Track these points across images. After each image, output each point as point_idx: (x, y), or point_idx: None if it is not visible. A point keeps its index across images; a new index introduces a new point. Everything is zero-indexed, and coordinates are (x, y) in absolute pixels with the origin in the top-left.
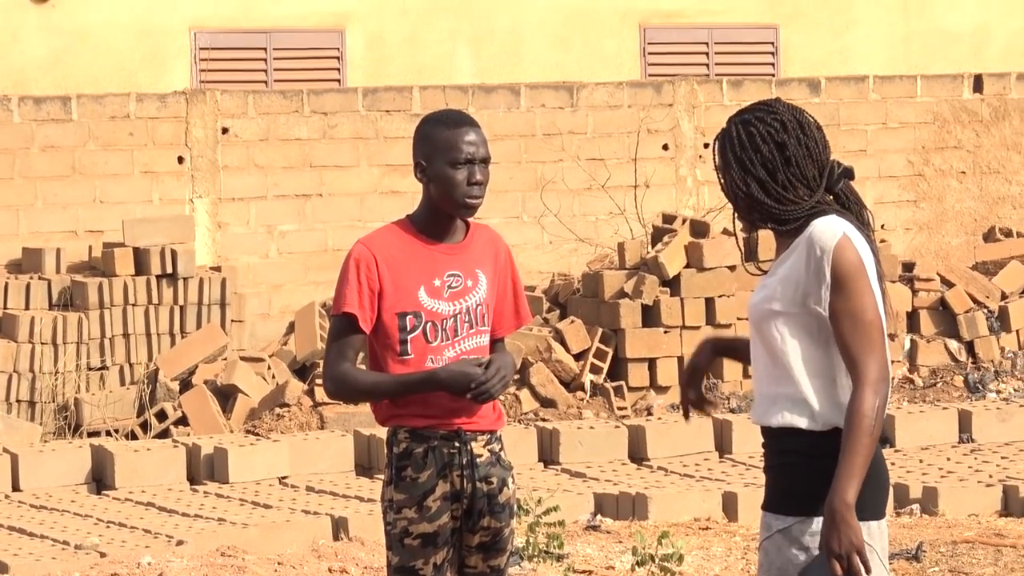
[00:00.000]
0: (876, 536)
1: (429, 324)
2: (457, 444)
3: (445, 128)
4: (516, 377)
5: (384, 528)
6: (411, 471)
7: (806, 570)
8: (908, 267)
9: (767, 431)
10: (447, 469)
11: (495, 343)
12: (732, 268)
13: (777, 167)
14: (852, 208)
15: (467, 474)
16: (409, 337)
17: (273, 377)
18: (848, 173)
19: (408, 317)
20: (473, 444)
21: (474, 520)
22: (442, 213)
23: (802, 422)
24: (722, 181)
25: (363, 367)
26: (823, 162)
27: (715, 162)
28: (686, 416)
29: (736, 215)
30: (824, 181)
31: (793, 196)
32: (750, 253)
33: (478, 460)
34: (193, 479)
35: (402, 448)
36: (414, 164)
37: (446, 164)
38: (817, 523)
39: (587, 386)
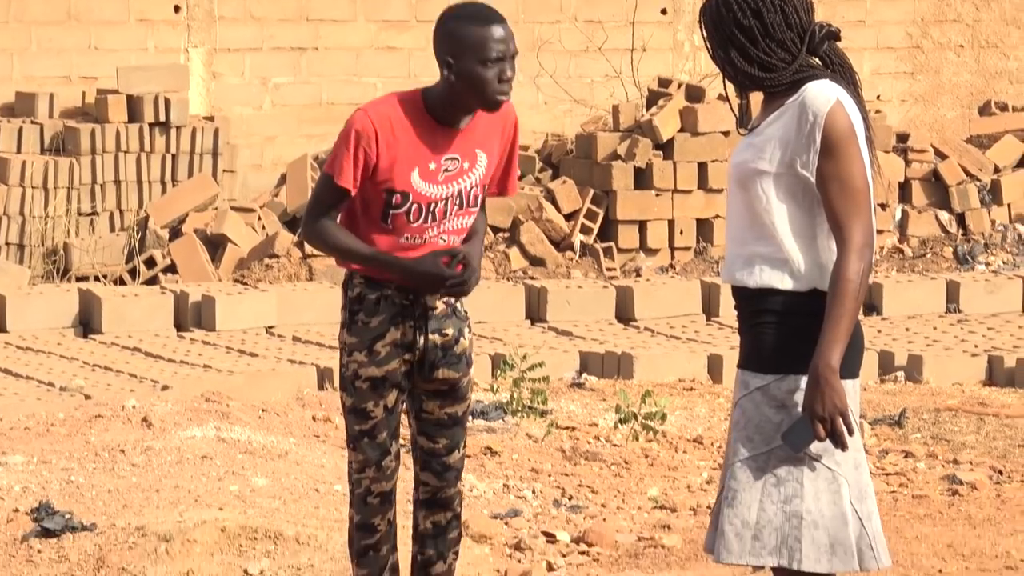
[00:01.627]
0: (850, 395)
1: (415, 205)
2: (411, 295)
3: (474, 25)
4: (506, 235)
5: (339, 370)
6: (363, 315)
7: (788, 432)
8: (902, 138)
9: (742, 291)
10: (399, 318)
11: None
12: (726, 134)
13: (756, 36)
14: (838, 71)
15: (419, 326)
16: (392, 212)
17: (263, 228)
18: (832, 35)
19: (396, 195)
20: (428, 297)
21: (428, 370)
22: (462, 105)
23: (784, 282)
24: (709, 51)
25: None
26: (803, 26)
27: (702, 33)
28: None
29: (725, 82)
30: (805, 45)
31: (776, 61)
32: (744, 119)
33: (432, 312)
34: (180, 326)
35: (356, 292)
36: (439, 61)
37: (476, 63)
38: (795, 381)
39: (576, 246)
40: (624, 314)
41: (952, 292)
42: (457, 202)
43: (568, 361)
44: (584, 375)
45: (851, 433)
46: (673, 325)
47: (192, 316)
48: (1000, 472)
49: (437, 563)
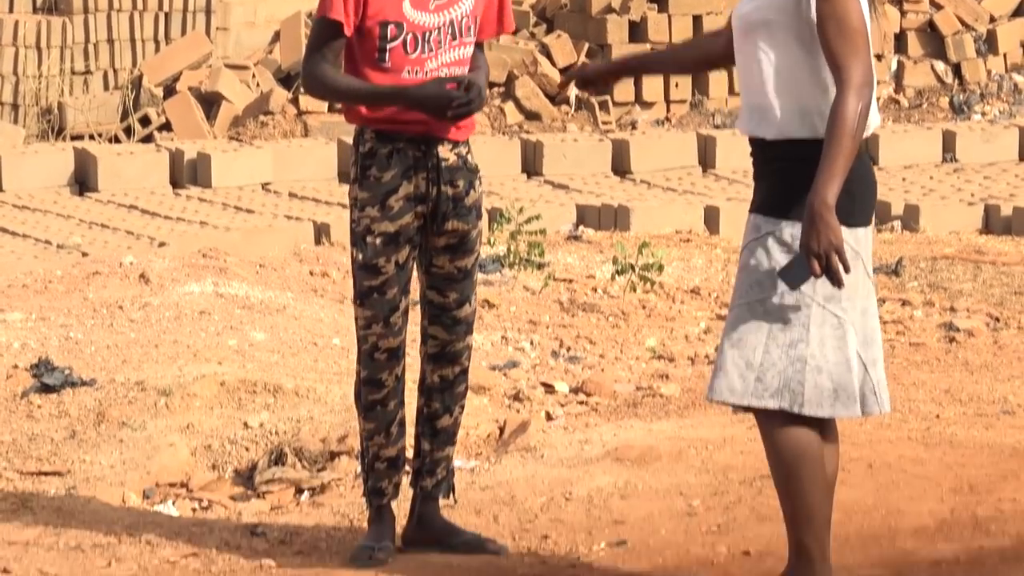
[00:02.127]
0: (863, 242)
1: (410, 35)
2: (423, 147)
3: None
4: (501, 90)
5: (349, 226)
6: (375, 170)
7: (785, 269)
8: None
9: (759, 142)
10: (412, 171)
11: (474, 49)
12: None
13: None
14: None
15: (432, 177)
16: (388, 46)
17: (258, 85)
18: None
19: (390, 27)
20: (440, 148)
21: (439, 223)
22: None
23: (797, 131)
24: None
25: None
26: None
27: None
28: (561, 90)
29: None
30: None
31: None
32: None
33: (444, 163)
34: (176, 183)
35: (367, 148)
36: None
37: None
38: None
39: (572, 100)
40: (620, 167)
41: (948, 142)
42: (450, 31)
43: (565, 214)
44: (581, 228)
45: (847, 270)
46: (669, 177)
47: (188, 173)
48: (997, 319)
49: (443, 416)
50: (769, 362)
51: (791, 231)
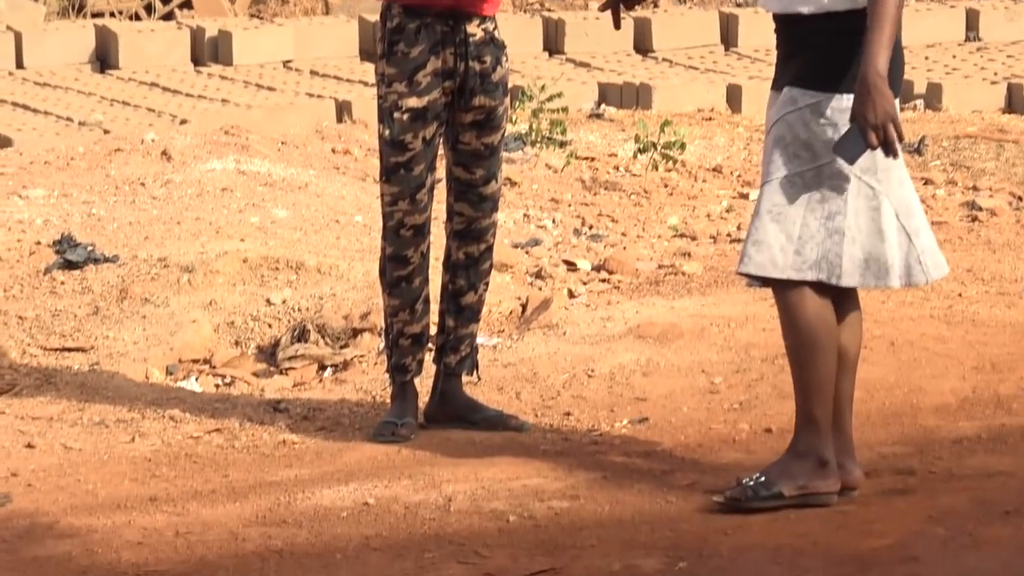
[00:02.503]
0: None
1: None
2: (451, 22)
3: None
4: None
5: (376, 102)
6: (403, 46)
7: (839, 144)
8: None
9: (793, 18)
10: (440, 46)
11: None
12: None
13: None
14: None
15: (460, 52)
16: None
17: None
18: None
19: None
20: (467, 24)
21: (467, 98)
22: None
23: (839, 3)
24: None
25: None
26: None
27: None
28: (616, 24)
29: None
30: None
31: None
32: None
33: (472, 39)
34: (197, 61)
35: (395, 23)
36: None
37: None
38: (845, 99)
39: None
40: (642, 45)
41: (971, 20)
42: None
43: (586, 92)
44: (603, 106)
45: (901, 140)
46: (691, 55)
47: (209, 51)
48: (1020, 198)
49: (468, 293)
50: (808, 235)
51: (833, 104)
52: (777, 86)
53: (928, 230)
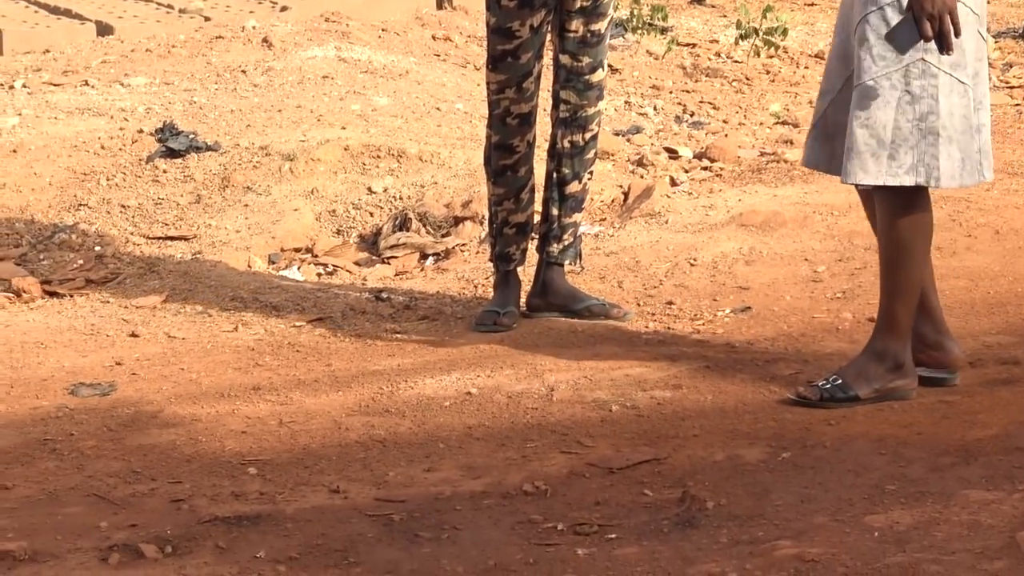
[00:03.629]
0: (977, 2)
1: None
2: None
3: None
4: None
5: None
6: None
7: (893, 31)
8: None
9: None
10: None
11: None
12: None
13: None
14: None
15: None
16: None
17: None
18: None
19: None
20: None
21: None
22: None
23: None
24: None
25: None
26: None
27: None
28: None
29: None
30: None
31: None
32: None
33: None
34: None
35: None
36: None
37: None
38: None
39: None
40: None
41: None
42: None
43: None
44: None
45: (958, 34)
46: None
47: None
48: None
49: (572, 182)
50: (900, 138)
51: None
52: None
53: (989, 128)
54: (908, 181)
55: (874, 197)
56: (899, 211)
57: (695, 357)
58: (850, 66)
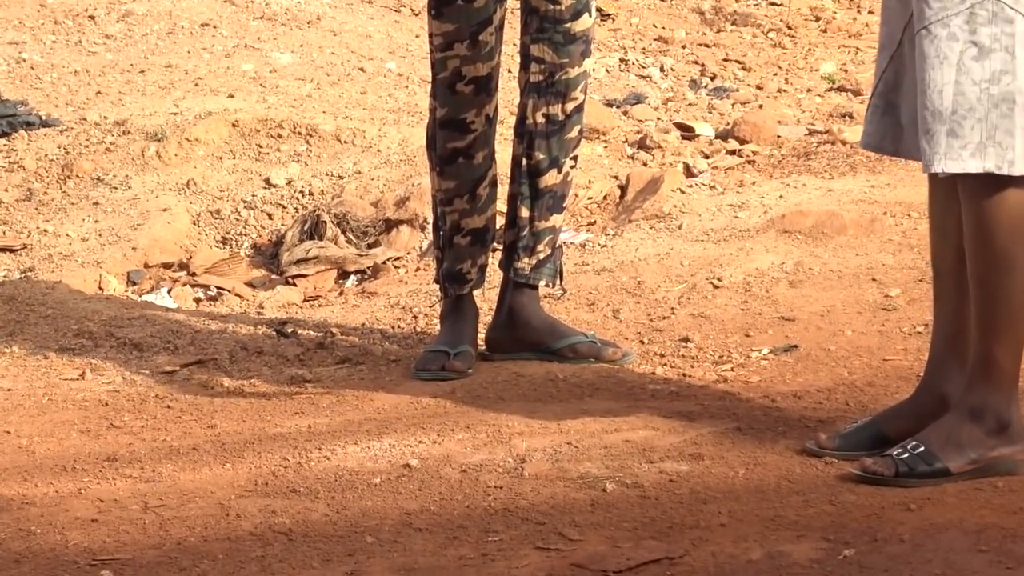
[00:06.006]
0: None
1: None
2: None
3: None
4: None
5: None
6: None
7: None
8: None
9: None
10: None
11: None
12: None
13: None
14: None
15: None
16: None
17: None
18: None
19: None
20: None
21: None
22: None
23: None
24: None
25: None
26: None
27: None
28: None
29: None
30: None
31: None
32: None
33: None
34: None
35: None
36: None
37: None
38: None
39: None
40: None
41: None
42: None
43: None
44: None
45: None
46: None
47: None
48: None
49: (549, 171)
50: (965, 107)
51: None
52: None
53: None
54: (974, 167)
55: (957, 188)
56: (990, 207)
57: (721, 415)
58: (909, 7)
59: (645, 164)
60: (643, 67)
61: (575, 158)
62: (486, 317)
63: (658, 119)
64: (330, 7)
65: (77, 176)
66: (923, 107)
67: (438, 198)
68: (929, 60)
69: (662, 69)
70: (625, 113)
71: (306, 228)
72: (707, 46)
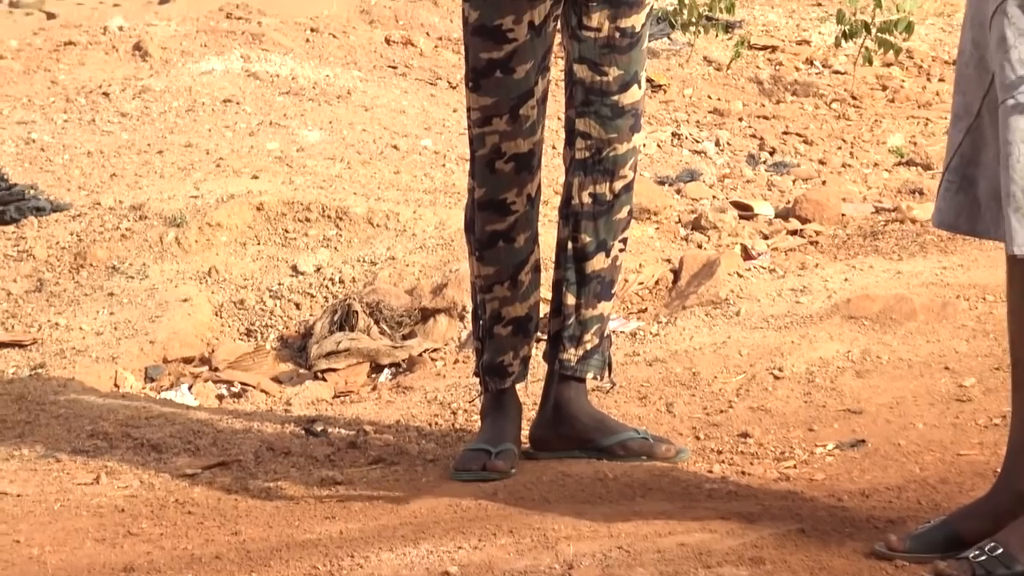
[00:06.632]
0: None
1: None
2: None
3: None
4: None
5: None
6: None
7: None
8: None
9: None
10: None
11: None
12: None
13: None
14: None
15: None
16: None
17: None
18: None
19: None
20: None
21: None
22: None
23: None
24: None
25: None
26: None
27: None
28: None
29: None
30: None
31: None
32: None
33: None
34: None
35: None
36: None
37: None
38: None
39: None
40: None
41: None
42: None
43: None
44: None
45: None
46: None
47: None
48: None
49: (597, 255)
50: None
51: None
52: None
53: None
54: None
55: None
56: None
57: (783, 516)
58: (988, 75)
59: (700, 246)
60: (697, 141)
61: (624, 240)
62: (530, 413)
63: (714, 197)
64: (361, 81)
65: (91, 265)
66: (1010, 181)
67: (477, 285)
68: (1018, 132)
69: (718, 143)
70: (678, 191)
71: (336, 318)
72: (766, 118)
